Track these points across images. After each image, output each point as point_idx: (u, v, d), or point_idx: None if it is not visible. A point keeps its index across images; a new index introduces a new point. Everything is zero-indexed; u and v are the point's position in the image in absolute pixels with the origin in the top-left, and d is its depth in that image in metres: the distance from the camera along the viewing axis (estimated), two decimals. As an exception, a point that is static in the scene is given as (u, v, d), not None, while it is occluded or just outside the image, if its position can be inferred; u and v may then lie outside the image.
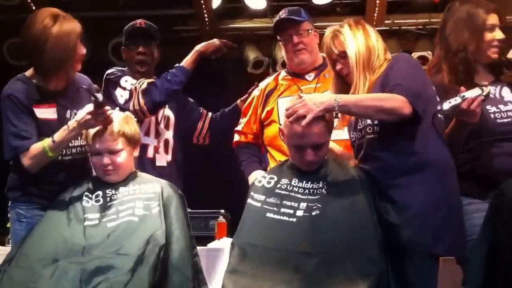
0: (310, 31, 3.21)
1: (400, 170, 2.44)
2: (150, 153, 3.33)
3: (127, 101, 3.21)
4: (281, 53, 6.17)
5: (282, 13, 3.26)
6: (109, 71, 3.39)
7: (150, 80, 3.27)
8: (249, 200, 2.57)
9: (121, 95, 3.27)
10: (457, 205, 2.49)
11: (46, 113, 2.76)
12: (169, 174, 3.28)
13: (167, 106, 3.41)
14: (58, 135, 2.65)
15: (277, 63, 6.05)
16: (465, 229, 2.49)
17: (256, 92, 3.34)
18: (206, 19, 5.92)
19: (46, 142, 2.65)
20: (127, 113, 2.90)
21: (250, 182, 3.03)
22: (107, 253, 2.41)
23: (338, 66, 2.59)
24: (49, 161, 2.68)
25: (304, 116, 2.38)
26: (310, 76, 3.24)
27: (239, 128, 3.35)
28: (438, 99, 2.50)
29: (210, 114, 3.64)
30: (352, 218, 2.39)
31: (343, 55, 2.55)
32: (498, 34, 2.68)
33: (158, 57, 3.50)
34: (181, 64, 3.30)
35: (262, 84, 3.36)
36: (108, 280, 2.31)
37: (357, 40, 2.54)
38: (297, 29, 3.19)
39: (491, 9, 2.69)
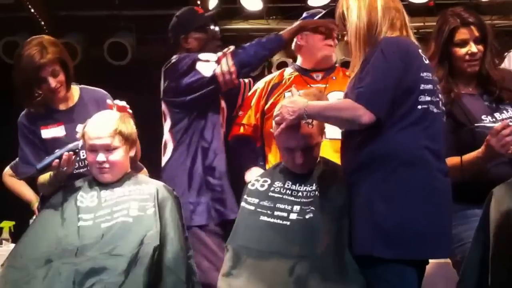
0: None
1: (351, 168, 2.38)
2: None
3: (215, 69, 3.09)
4: (276, 56, 6.20)
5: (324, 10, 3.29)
6: (173, 59, 3.24)
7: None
8: (243, 203, 2.58)
9: (205, 68, 3.11)
10: (419, 203, 2.28)
11: (53, 132, 2.89)
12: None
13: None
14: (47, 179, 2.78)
15: (272, 65, 6.06)
16: (440, 229, 2.32)
17: (259, 84, 3.31)
18: (202, 20, 5.90)
19: (47, 176, 2.77)
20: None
21: (247, 178, 3.03)
22: (101, 254, 2.40)
23: (346, 38, 2.51)
24: (53, 189, 2.78)
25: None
26: (318, 76, 3.23)
27: (238, 119, 3.29)
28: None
29: (247, 81, 3.46)
30: (344, 221, 2.38)
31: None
32: (472, 48, 2.65)
33: None
34: (281, 32, 3.21)
35: (267, 78, 3.33)
36: (101, 282, 2.30)
37: (360, 12, 2.39)
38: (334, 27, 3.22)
39: (464, 23, 2.67)
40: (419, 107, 2.30)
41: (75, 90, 2.99)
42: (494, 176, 2.50)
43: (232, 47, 3.13)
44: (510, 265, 2.20)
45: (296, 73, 3.25)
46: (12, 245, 3.71)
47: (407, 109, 2.29)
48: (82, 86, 3.06)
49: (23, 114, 2.96)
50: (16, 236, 3.95)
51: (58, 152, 2.65)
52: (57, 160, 2.63)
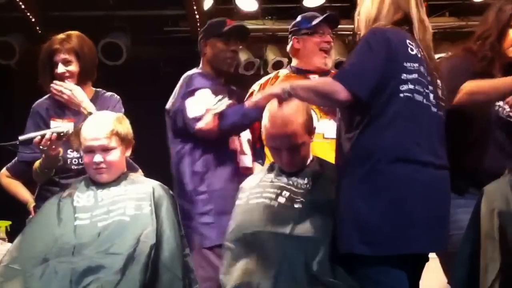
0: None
1: (338, 165, 2.39)
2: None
3: (197, 119, 3.04)
4: (272, 55, 6.24)
5: (327, 13, 3.37)
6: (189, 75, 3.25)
7: (229, 103, 3.09)
8: (237, 202, 2.61)
9: (191, 124, 3.07)
10: (400, 198, 2.25)
11: (62, 126, 2.89)
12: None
13: None
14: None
15: (268, 65, 6.08)
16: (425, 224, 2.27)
17: (255, 87, 3.34)
18: (197, 20, 5.92)
19: (37, 163, 2.86)
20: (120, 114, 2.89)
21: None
22: (97, 253, 2.41)
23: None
24: (45, 177, 2.94)
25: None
26: (314, 78, 3.23)
27: None
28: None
29: None
30: (333, 219, 2.38)
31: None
32: None
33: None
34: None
35: (262, 80, 3.36)
36: (98, 280, 2.31)
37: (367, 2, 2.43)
38: (330, 31, 3.30)
39: None
40: (401, 95, 2.26)
41: (91, 91, 3.09)
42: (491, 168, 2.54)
43: (222, 104, 3.05)
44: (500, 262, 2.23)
45: (293, 75, 3.27)
46: (9, 245, 3.70)
47: (387, 97, 2.25)
48: (103, 93, 3.15)
49: (39, 101, 3.08)
50: (12, 235, 3.96)
51: (44, 131, 2.70)
52: (39, 137, 2.68)
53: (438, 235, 2.32)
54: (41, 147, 2.70)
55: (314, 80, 2.41)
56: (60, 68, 2.98)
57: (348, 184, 2.29)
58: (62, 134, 2.71)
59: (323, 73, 3.24)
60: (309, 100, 2.40)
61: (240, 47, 3.39)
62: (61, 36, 3.00)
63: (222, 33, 3.24)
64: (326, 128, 3.06)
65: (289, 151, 2.49)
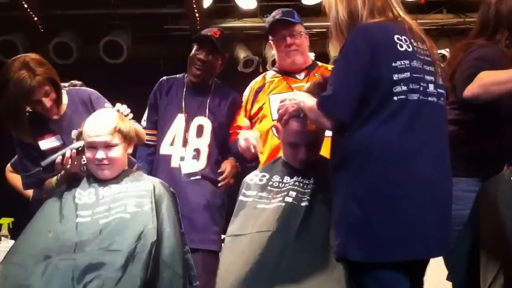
0: (302, 33, 3.27)
1: (331, 166, 2.33)
2: (174, 163, 3.35)
3: None
4: (271, 52, 6.24)
5: (276, 14, 3.30)
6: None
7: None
8: (241, 197, 2.62)
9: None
10: (396, 198, 2.16)
11: (50, 142, 2.92)
12: (202, 181, 3.32)
13: (203, 115, 3.42)
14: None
15: (267, 62, 6.09)
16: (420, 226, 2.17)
17: (246, 92, 3.39)
18: (197, 18, 5.94)
19: (54, 180, 2.84)
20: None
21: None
22: (98, 250, 2.42)
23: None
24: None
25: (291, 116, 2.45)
26: (301, 75, 3.29)
27: (231, 128, 3.39)
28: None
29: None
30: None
31: None
32: None
33: None
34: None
35: (251, 83, 3.40)
36: (100, 277, 2.32)
37: (338, 6, 2.32)
38: (291, 30, 3.25)
39: None
40: (395, 98, 2.19)
41: (63, 94, 2.98)
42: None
43: None
44: (497, 257, 2.24)
45: (279, 76, 3.31)
46: (11, 242, 3.75)
47: (379, 101, 2.19)
48: (68, 88, 3.07)
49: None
50: (14, 232, 3.99)
51: (62, 150, 2.70)
52: (60, 158, 2.67)
53: (440, 237, 2.23)
54: (64, 167, 2.68)
55: (313, 104, 2.38)
56: (47, 103, 2.84)
57: (341, 187, 2.23)
58: (79, 148, 2.70)
59: (308, 68, 3.29)
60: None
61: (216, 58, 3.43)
62: (22, 73, 2.74)
63: (194, 38, 3.40)
64: None
65: (306, 148, 2.54)
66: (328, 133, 2.78)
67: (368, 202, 2.16)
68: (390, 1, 2.34)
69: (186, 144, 3.37)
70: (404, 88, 2.21)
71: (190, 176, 3.25)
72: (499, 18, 2.64)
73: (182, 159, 3.33)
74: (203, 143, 3.39)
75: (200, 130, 3.41)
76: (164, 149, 3.39)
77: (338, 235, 2.24)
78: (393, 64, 2.21)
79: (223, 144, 3.41)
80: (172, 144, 3.39)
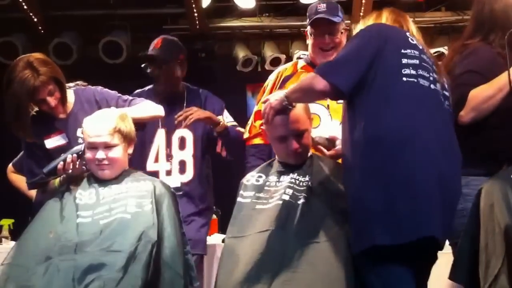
0: (342, 32, 3.13)
1: (343, 154, 2.37)
2: (162, 178, 3.29)
3: None
4: (269, 52, 6.26)
5: (319, 8, 3.10)
6: None
7: None
8: (239, 199, 2.62)
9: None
10: (408, 184, 2.19)
11: (56, 141, 2.92)
12: (189, 192, 3.33)
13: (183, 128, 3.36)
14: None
15: (265, 62, 6.10)
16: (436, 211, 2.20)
17: (271, 77, 3.24)
18: (196, 18, 5.96)
19: (57, 181, 2.84)
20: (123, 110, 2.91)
21: None
22: (99, 250, 2.42)
23: None
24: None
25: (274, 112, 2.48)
26: None
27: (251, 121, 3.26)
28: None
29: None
30: (335, 216, 2.42)
31: None
32: None
33: None
34: None
35: (280, 69, 3.27)
36: (101, 278, 2.33)
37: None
38: (332, 29, 3.08)
39: None
40: (404, 79, 2.25)
41: (69, 93, 2.99)
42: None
43: None
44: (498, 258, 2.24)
45: (310, 68, 3.10)
46: (12, 243, 3.75)
47: (389, 80, 2.25)
48: (75, 87, 3.07)
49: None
50: (15, 234, 3.99)
51: (63, 156, 2.71)
52: (62, 163, 2.69)
53: (448, 222, 2.28)
54: (66, 171, 2.70)
55: (293, 88, 2.43)
56: (52, 102, 2.85)
57: (356, 174, 2.25)
58: (80, 152, 2.71)
59: None
60: (300, 100, 2.48)
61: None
62: (26, 72, 2.75)
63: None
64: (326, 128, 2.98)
65: (295, 138, 2.54)
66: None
67: (387, 186, 2.18)
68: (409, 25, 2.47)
69: (170, 158, 3.37)
70: (413, 72, 2.27)
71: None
72: (493, 18, 2.64)
73: (168, 173, 3.34)
74: (187, 155, 3.37)
75: (182, 142, 3.39)
76: (150, 166, 3.35)
77: (359, 225, 2.24)
78: (403, 51, 2.30)
79: (207, 151, 3.46)
80: (156, 161, 3.37)
